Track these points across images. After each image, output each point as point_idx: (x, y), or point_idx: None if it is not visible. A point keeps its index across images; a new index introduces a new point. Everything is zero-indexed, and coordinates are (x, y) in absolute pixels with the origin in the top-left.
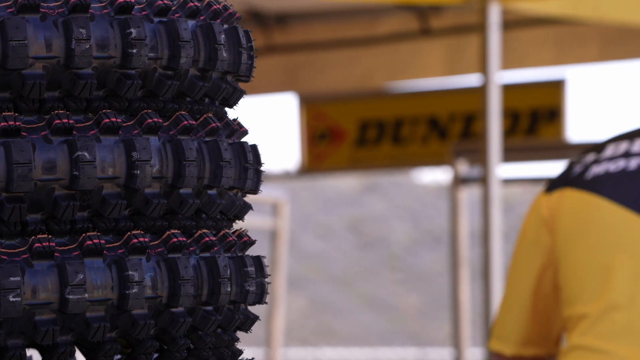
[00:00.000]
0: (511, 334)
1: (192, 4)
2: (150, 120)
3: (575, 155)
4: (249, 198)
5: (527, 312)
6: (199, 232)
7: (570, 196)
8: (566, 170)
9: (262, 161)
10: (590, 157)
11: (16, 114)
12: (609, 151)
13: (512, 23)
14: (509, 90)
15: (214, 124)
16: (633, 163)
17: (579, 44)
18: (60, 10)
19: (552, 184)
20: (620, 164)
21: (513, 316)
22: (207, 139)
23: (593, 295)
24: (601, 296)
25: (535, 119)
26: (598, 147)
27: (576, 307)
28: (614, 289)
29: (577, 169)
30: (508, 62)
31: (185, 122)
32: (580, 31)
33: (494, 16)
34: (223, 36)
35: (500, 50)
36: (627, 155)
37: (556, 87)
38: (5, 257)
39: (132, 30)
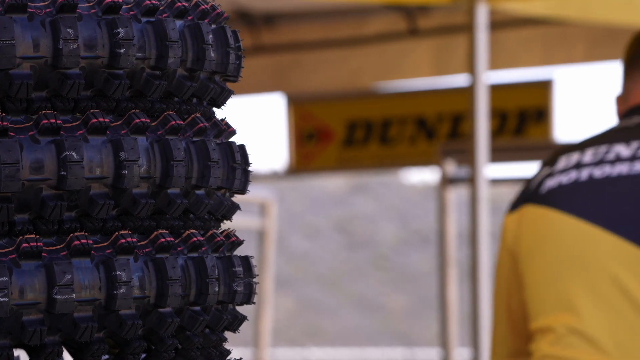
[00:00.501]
0: (501, 349)
1: (179, 3)
2: (138, 120)
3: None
4: (237, 198)
5: (507, 328)
6: (187, 232)
7: (529, 212)
8: (525, 187)
9: (250, 161)
10: (545, 170)
11: (3, 114)
12: (561, 164)
13: (500, 23)
14: (497, 90)
15: (201, 124)
16: (584, 174)
17: (566, 44)
18: (48, 10)
19: (514, 203)
20: (572, 175)
21: (499, 332)
22: (195, 139)
23: (555, 308)
24: (563, 309)
25: (522, 119)
26: (551, 161)
27: (540, 320)
28: (574, 301)
29: (534, 184)
30: (496, 63)
31: (173, 122)
32: (568, 32)
33: (482, 16)
34: (211, 36)
35: (487, 51)
36: (578, 166)
37: (544, 88)
38: None
39: (120, 30)
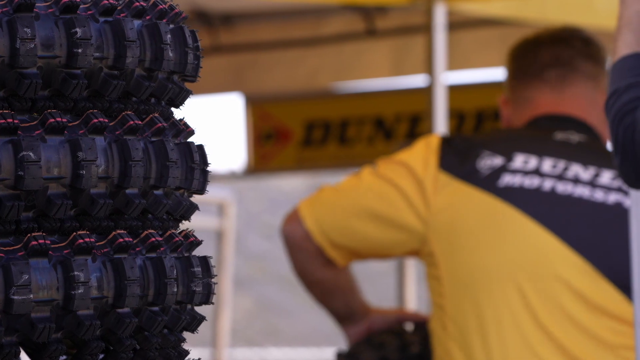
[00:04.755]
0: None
1: (137, 3)
2: (96, 120)
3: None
4: (196, 198)
5: (351, 221)
6: (145, 232)
7: (477, 196)
8: (461, 157)
9: (209, 161)
10: (496, 159)
11: None
12: (518, 162)
13: (458, 24)
14: (455, 91)
15: (160, 124)
16: (547, 184)
17: None
18: (5, 9)
19: (450, 163)
20: (535, 181)
21: (341, 214)
22: (153, 139)
23: (503, 305)
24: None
25: (480, 119)
26: (503, 152)
27: (450, 308)
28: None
29: (483, 169)
30: (454, 63)
31: (132, 122)
32: (526, 32)
33: (440, 17)
34: (169, 36)
35: (446, 51)
36: (539, 173)
37: (502, 88)
38: None
39: (78, 29)
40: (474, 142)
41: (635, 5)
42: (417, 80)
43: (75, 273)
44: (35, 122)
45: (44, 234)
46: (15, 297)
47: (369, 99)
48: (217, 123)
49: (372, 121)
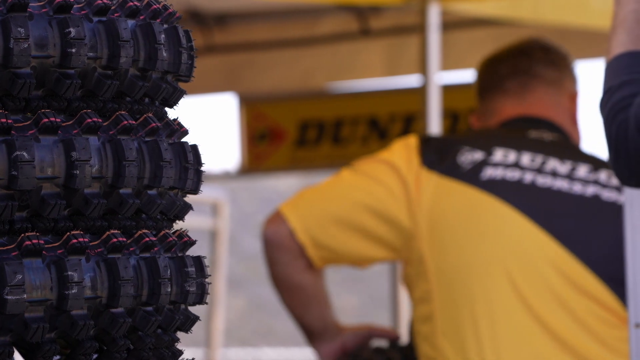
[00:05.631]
0: (315, 211)
1: (131, 3)
2: (89, 120)
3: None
4: (189, 198)
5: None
6: (139, 232)
7: (459, 189)
8: (441, 154)
9: (202, 161)
10: (477, 154)
11: None
12: (498, 156)
13: (452, 24)
14: (449, 91)
15: (154, 124)
16: (528, 177)
17: None
18: None
19: (430, 160)
20: (516, 174)
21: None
22: (147, 139)
23: (488, 295)
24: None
25: None
26: (482, 147)
27: (430, 305)
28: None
29: (465, 163)
30: (448, 63)
31: (125, 122)
32: (520, 32)
33: (434, 17)
34: (163, 36)
35: (439, 51)
36: (519, 167)
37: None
38: None
39: (71, 29)
40: (452, 140)
41: (630, 4)
42: (411, 80)
43: (69, 273)
44: (28, 122)
45: (37, 233)
46: (9, 297)
47: (363, 99)
48: (211, 123)
49: (366, 121)
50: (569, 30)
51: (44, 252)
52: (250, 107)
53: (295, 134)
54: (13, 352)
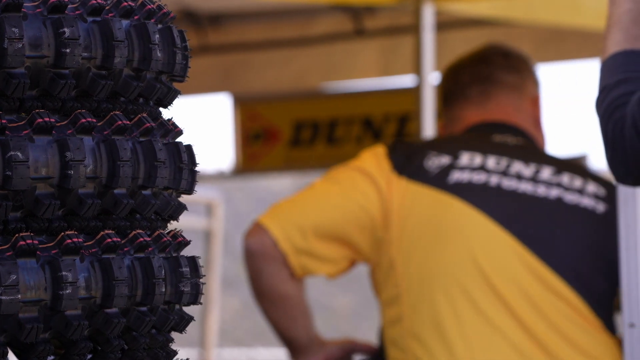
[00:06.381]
0: (299, 220)
1: (126, 3)
2: (84, 120)
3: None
4: (184, 198)
5: (330, 224)
6: (134, 232)
7: (426, 193)
8: (409, 159)
9: (197, 161)
10: (444, 159)
11: None
12: (465, 160)
13: (446, 24)
14: None
15: (148, 124)
16: (493, 180)
17: (512, 45)
18: None
19: (400, 165)
20: (482, 177)
21: (316, 215)
22: (141, 139)
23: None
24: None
25: None
26: (448, 151)
27: (399, 307)
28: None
29: (432, 167)
30: (442, 63)
31: (120, 122)
32: (514, 32)
33: (428, 17)
34: (157, 36)
35: (434, 51)
36: (484, 170)
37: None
38: None
39: (66, 29)
40: (418, 145)
41: (625, 4)
42: (406, 81)
43: (63, 273)
44: (23, 122)
45: (31, 234)
46: (3, 297)
47: (357, 99)
48: (205, 123)
49: (361, 121)
50: (562, 31)
51: (38, 252)
52: (245, 107)
53: (289, 134)
54: (7, 352)
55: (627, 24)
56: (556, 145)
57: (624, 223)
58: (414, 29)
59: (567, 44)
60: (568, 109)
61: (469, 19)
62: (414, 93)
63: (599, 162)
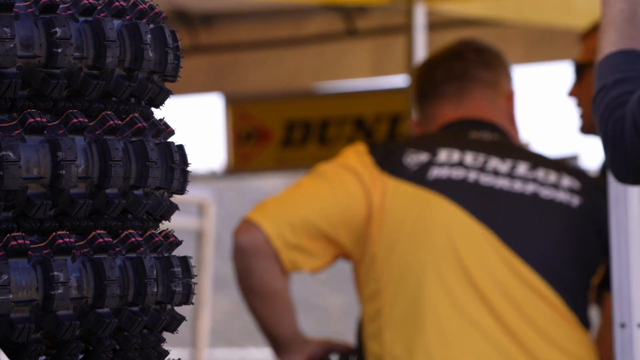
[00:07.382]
0: (286, 216)
1: (117, 3)
2: (75, 120)
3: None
4: (175, 198)
5: (317, 219)
6: (125, 232)
7: (408, 190)
8: (389, 157)
9: (189, 161)
10: (423, 156)
11: None
12: (443, 156)
13: (438, 24)
14: None
15: (140, 124)
16: (471, 176)
17: (504, 45)
18: None
19: (381, 161)
20: (460, 173)
21: (303, 211)
22: (133, 139)
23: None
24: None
25: None
26: (427, 148)
27: (380, 301)
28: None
29: (411, 164)
30: None
31: (111, 122)
32: (505, 33)
33: (420, 17)
34: (149, 36)
35: (425, 51)
36: (463, 166)
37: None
38: None
39: (57, 29)
40: (396, 144)
41: (618, 4)
42: (398, 81)
43: (55, 273)
44: (14, 122)
45: (23, 234)
46: None
47: (349, 99)
48: (197, 123)
49: (353, 121)
50: (553, 31)
51: (29, 252)
52: (236, 107)
53: (281, 134)
54: None
55: (621, 24)
56: (547, 145)
57: (615, 223)
58: (406, 29)
59: (558, 44)
60: (559, 109)
61: (461, 19)
62: (406, 93)
63: (590, 162)
